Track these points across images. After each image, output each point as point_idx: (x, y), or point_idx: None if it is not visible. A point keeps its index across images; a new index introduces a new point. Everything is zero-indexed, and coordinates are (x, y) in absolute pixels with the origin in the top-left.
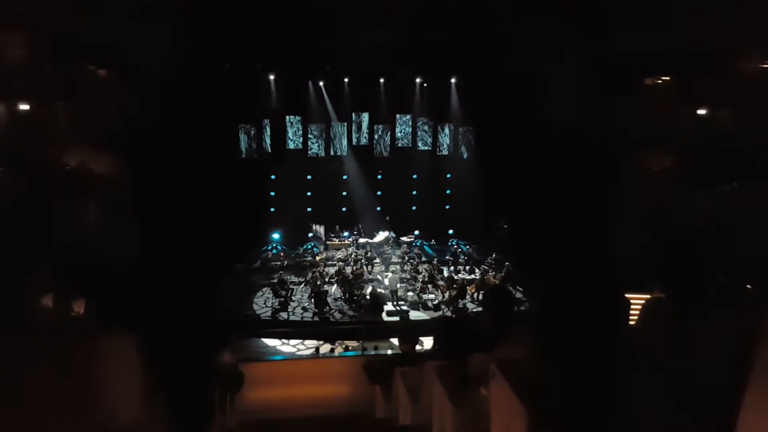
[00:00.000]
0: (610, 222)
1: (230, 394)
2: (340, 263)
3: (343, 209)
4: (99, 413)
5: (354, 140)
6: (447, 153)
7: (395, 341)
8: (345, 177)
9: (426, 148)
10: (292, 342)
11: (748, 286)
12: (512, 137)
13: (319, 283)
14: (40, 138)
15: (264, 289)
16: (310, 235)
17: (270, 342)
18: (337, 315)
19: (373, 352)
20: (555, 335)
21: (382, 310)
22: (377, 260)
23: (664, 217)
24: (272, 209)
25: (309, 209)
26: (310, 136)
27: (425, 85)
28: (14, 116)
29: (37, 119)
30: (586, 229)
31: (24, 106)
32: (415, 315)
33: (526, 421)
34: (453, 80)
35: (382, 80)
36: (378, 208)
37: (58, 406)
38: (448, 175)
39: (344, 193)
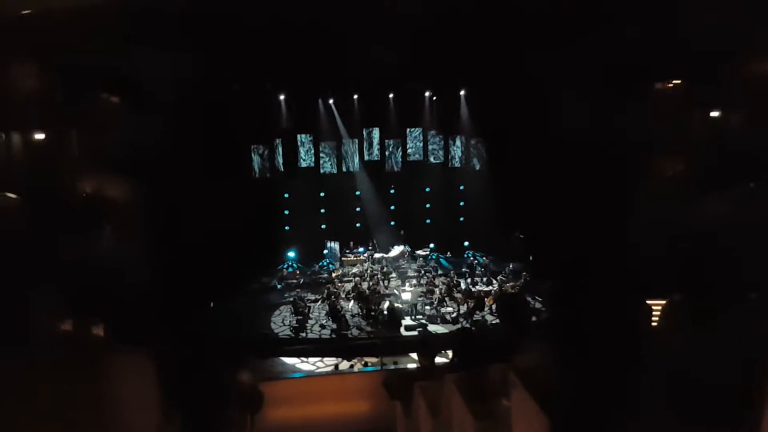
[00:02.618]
0: (626, 229)
1: (250, 414)
2: (356, 279)
3: (358, 225)
4: None
5: (366, 156)
6: (459, 165)
7: (415, 356)
8: (358, 193)
9: (437, 161)
10: (311, 360)
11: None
12: (523, 147)
13: (335, 299)
14: (55, 165)
15: (281, 308)
16: (325, 252)
17: (289, 360)
18: (355, 331)
19: (392, 367)
20: (574, 343)
21: (401, 325)
22: (393, 275)
23: (682, 222)
24: (287, 228)
25: (323, 226)
26: (321, 153)
27: (434, 98)
28: (29, 143)
29: (51, 146)
30: (602, 237)
31: (38, 134)
32: (433, 329)
33: (548, 431)
34: (462, 92)
35: (391, 95)
36: (392, 223)
37: (71, 427)
38: (461, 187)
39: (358, 209)
